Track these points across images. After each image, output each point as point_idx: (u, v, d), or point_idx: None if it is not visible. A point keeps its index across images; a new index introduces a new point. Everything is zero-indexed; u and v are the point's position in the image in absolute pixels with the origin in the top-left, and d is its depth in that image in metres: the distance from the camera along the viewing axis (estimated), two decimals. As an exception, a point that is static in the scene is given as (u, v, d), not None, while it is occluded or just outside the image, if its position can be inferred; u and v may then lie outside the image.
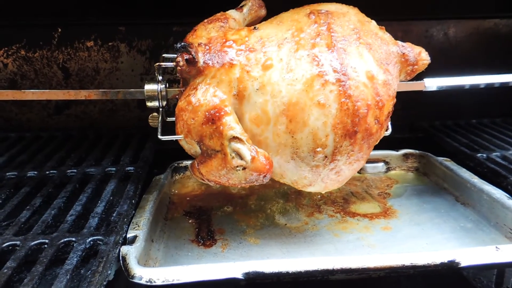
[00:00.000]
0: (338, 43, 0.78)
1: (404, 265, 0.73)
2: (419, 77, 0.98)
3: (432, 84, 0.97)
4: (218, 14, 0.89)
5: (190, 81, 0.81)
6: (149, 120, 0.93)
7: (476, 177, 1.06)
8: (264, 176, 0.77)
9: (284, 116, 0.76)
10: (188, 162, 1.22)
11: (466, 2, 1.44)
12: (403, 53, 0.87)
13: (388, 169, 1.27)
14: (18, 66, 1.36)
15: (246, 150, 0.75)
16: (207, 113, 0.76)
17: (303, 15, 0.83)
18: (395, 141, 1.32)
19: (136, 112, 1.45)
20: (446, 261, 0.73)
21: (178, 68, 0.78)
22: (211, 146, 0.78)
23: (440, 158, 1.19)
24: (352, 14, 0.85)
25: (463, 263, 0.73)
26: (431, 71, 1.50)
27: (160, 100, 0.87)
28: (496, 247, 0.75)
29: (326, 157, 0.79)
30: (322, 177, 0.82)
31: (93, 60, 1.39)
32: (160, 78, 0.87)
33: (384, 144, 1.13)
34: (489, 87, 1.04)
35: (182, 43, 0.77)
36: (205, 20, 0.88)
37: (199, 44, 0.80)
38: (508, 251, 0.75)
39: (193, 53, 0.77)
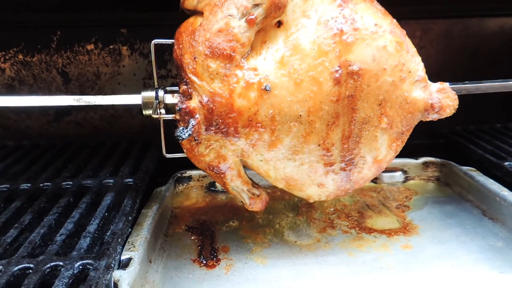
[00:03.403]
0: (355, 130, 0.74)
1: (429, 295, 0.65)
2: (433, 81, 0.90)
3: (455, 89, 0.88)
4: (224, 44, 0.68)
5: None
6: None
7: (505, 189, 0.96)
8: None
9: (284, 182, 0.79)
10: (193, 172, 1.15)
11: (490, -1, 1.34)
12: (427, 114, 0.80)
13: (406, 179, 1.18)
14: (16, 71, 1.31)
15: (246, 197, 0.82)
16: (210, 166, 0.78)
17: (328, 74, 0.68)
18: (413, 148, 1.23)
19: (139, 119, 1.38)
20: (478, 291, 0.65)
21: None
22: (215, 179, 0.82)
23: (464, 168, 1.10)
24: (390, 69, 0.71)
25: (498, 294, 0.65)
26: (452, 72, 1.42)
27: (158, 109, 0.80)
28: (535, 275, 0.66)
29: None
30: None
31: (93, 64, 1.33)
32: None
33: (401, 151, 1.04)
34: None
35: (181, 135, 0.71)
36: (207, 50, 0.68)
37: (202, 105, 0.71)
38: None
39: (195, 136, 0.72)
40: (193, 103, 0.71)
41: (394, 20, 0.75)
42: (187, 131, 0.71)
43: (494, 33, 1.41)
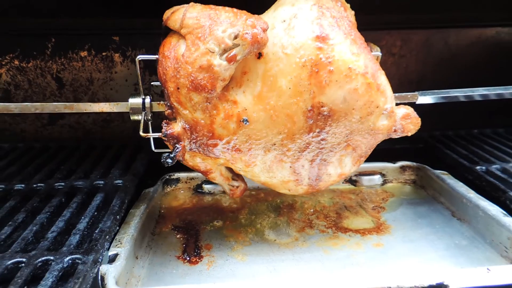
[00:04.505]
0: (324, 155, 0.84)
1: (389, 287, 0.70)
2: (413, 89, 0.96)
3: (425, 99, 0.94)
4: (205, 80, 0.72)
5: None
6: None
7: (472, 191, 1.02)
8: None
9: (260, 183, 0.90)
10: (181, 174, 1.20)
11: (467, 10, 1.40)
12: (389, 135, 0.87)
13: (384, 182, 1.24)
14: (11, 76, 1.36)
15: (227, 188, 0.95)
16: (195, 168, 0.89)
17: (302, 113, 0.75)
18: (394, 152, 1.29)
19: (131, 123, 1.42)
20: (434, 283, 0.70)
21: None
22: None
23: (437, 171, 1.16)
24: (358, 108, 0.77)
25: (452, 286, 0.70)
26: (431, 81, 1.48)
27: (146, 114, 0.87)
28: (488, 269, 0.72)
29: None
30: None
31: (87, 70, 1.38)
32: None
33: (381, 155, 1.10)
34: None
35: (167, 161, 0.79)
36: (190, 84, 0.73)
37: (185, 130, 0.79)
38: (499, 273, 0.72)
39: (180, 157, 0.81)
40: (177, 128, 0.80)
41: (369, 55, 0.78)
42: (172, 157, 0.79)
43: (471, 43, 1.47)
